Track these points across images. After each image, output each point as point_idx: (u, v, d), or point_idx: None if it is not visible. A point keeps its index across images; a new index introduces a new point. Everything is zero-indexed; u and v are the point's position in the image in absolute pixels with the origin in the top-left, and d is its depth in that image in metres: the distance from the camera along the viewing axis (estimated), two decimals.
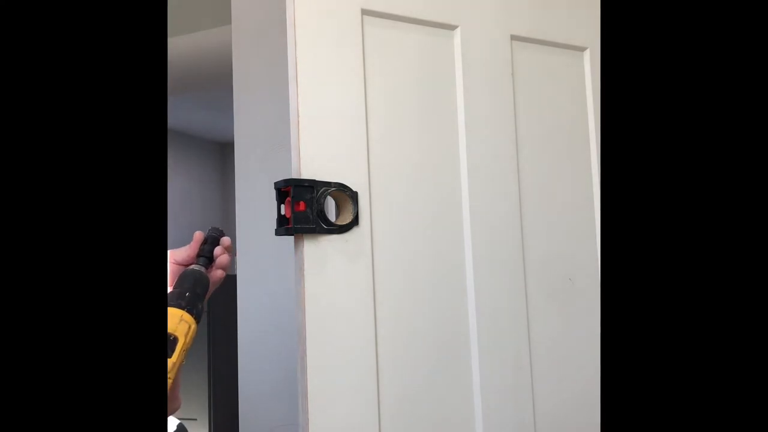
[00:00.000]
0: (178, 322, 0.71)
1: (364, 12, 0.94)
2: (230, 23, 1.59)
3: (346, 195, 0.89)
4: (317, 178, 0.87)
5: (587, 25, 1.17)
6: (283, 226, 0.86)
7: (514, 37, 1.09)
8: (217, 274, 0.82)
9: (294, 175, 0.86)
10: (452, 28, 1.02)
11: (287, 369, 1.45)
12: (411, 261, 0.95)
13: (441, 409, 0.95)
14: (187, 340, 0.70)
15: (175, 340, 0.69)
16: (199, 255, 0.81)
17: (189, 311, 0.72)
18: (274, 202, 0.88)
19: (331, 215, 0.89)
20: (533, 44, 1.11)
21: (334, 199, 0.91)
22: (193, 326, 0.72)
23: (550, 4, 1.14)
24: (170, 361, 0.67)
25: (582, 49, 1.17)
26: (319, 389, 0.85)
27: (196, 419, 2.91)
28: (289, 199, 0.85)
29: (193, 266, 0.79)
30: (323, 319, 0.86)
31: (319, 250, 0.87)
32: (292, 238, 0.87)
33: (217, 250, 0.82)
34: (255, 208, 1.53)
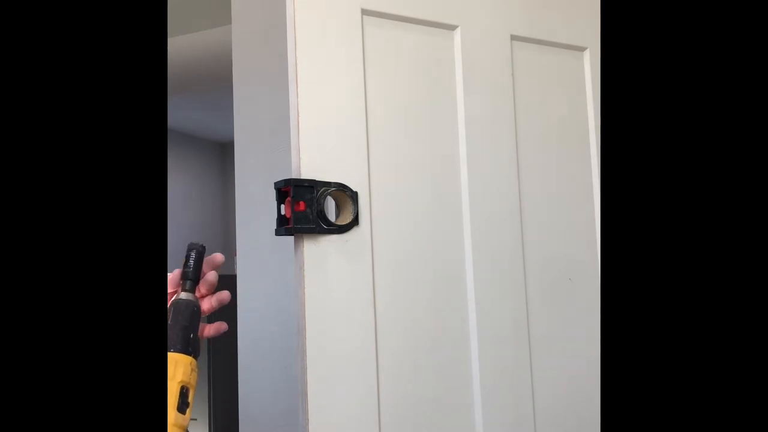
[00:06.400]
0: (191, 371, 0.64)
1: (364, 12, 0.94)
2: (230, 23, 1.60)
3: (346, 195, 0.89)
4: (317, 178, 0.87)
5: (587, 25, 1.17)
6: (283, 226, 0.86)
7: (514, 37, 1.09)
8: (210, 302, 0.73)
9: (294, 175, 0.86)
10: (452, 28, 1.02)
11: (287, 369, 1.45)
12: (411, 260, 0.95)
13: (441, 406, 0.95)
14: (194, 392, 0.64)
15: (188, 391, 0.63)
16: (184, 278, 0.71)
17: (196, 358, 0.66)
18: (274, 202, 0.88)
19: (331, 215, 0.89)
20: (533, 44, 1.11)
21: (334, 199, 0.91)
22: (196, 373, 0.65)
23: (550, 4, 1.14)
24: (183, 418, 0.61)
25: (582, 49, 1.17)
26: (319, 389, 0.85)
27: (196, 419, 2.91)
28: (289, 199, 0.85)
29: (182, 294, 0.70)
30: (323, 318, 0.86)
31: (319, 250, 0.87)
32: (292, 238, 0.87)
33: (205, 267, 0.72)
34: (255, 208, 1.53)
